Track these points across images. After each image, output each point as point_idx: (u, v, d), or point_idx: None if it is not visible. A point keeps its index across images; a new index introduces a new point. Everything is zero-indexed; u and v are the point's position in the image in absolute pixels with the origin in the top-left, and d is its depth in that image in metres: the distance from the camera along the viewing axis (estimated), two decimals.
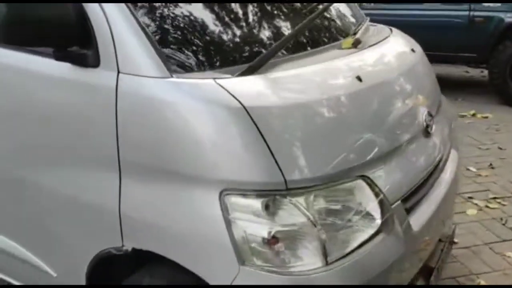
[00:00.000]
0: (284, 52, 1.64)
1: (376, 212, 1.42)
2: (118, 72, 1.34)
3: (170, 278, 1.44)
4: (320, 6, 1.82)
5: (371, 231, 1.40)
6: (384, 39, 2.03)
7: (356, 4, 2.42)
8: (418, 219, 1.59)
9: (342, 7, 2.23)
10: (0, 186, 1.76)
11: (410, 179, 1.58)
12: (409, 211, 1.56)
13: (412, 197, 1.59)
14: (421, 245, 1.63)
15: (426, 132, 1.74)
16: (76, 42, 1.37)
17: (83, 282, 1.62)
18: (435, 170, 1.80)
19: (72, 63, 1.40)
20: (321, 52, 1.75)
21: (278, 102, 1.32)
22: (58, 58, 1.40)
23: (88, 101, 1.40)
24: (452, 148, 2.10)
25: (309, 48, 1.77)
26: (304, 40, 1.81)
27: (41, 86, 1.50)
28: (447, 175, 1.90)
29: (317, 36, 1.88)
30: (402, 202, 1.52)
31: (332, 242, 1.31)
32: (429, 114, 1.78)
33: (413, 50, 2.01)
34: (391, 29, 2.29)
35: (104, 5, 1.33)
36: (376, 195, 1.42)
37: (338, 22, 2.10)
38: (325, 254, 1.29)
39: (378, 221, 1.42)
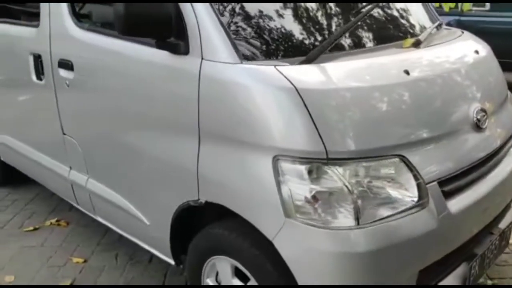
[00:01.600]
0: (350, 47, 1.89)
1: (410, 188, 1.61)
2: (202, 58, 1.70)
3: (235, 228, 1.77)
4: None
5: (404, 203, 1.59)
6: (449, 40, 2.18)
7: (432, 6, 2.57)
8: (458, 203, 1.74)
9: (417, 10, 2.40)
10: (110, 147, 2.23)
11: (449, 165, 1.73)
12: (448, 194, 1.72)
13: (453, 182, 1.74)
14: (459, 227, 1.76)
15: (477, 126, 1.87)
16: (173, 35, 1.75)
17: (168, 230, 2.02)
18: (485, 163, 1.91)
19: (169, 51, 1.79)
20: (383, 49, 1.96)
21: (325, 86, 1.58)
22: (160, 47, 1.80)
23: (179, 81, 1.78)
24: None
25: (373, 45, 2.00)
26: (371, 39, 2.04)
27: (145, 68, 1.92)
28: (501, 171, 2.00)
29: (384, 36, 2.09)
30: (440, 184, 1.69)
31: (366, 207, 1.54)
32: (482, 111, 1.90)
33: (476, 52, 2.13)
34: (462, 32, 2.41)
35: (194, 4, 1.71)
36: (412, 173, 1.62)
37: (407, 23, 2.28)
38: (358, 216, 1.52)
39: (412, 196, 1.61)
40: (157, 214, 2.08)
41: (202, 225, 1.95)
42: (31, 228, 3.09)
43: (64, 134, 2.50)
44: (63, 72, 2.33)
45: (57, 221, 3.16)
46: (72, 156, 2.52)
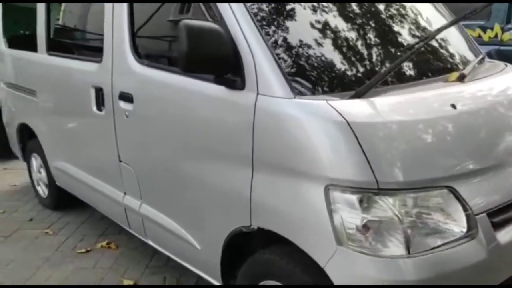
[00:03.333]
0: (396, 82, 1.97)
1: (459, 218, 1.66)
2: (257, 93, 1.82)
3: (286, 254, 1.85)
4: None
5: (453, 234, 1.64)
6: (493, 74, 2.23)
7: (472, 39, 2.64)
8: (507, 235, 1.76)
9: (459, 43, 2.47)
10: (165, 175, 2.36)
11: (497, 197, 1.77)
12: (497, 225, 1.75)
13: (501, 214, 1.77)
14: (508, 258, 1.78)
15: None
16: (230, 71, 1.89)
17: (219, 255, 2.11)
18: None
19: (226, 86, 1.93)
20: (428, 83, 2.04)
21: (374, 119, 1.66)
22: (218, 83, 1.93)
23: (235, 115, 1.91)
24: None
25: (419, 79, 2.07)
26: (416, 73, 2.12)
27: (202, 102, 2.05)
28: None
29: (428, 70, 2.17)
30: (489, 215, 1.72)
31: (415, 237, 1.60)
32: None
33: None
34: (506, 65, 2.46)
35: (251, 44, 1.83)
36: (461, 204, 1.66)
37: (450, 57, 2.35)
38: (408, 245, 1.58)
39: (461, 226, 1.65)
40: (209, 239, 2.18)
41: (250, 251, 2.03)
42: (84, 250, 3.25)
43: (121, 161, 2.66)
44: (123, 104, 2.50)
45: (107, 243, 3.31)
46: (127, 182, 2.67)
